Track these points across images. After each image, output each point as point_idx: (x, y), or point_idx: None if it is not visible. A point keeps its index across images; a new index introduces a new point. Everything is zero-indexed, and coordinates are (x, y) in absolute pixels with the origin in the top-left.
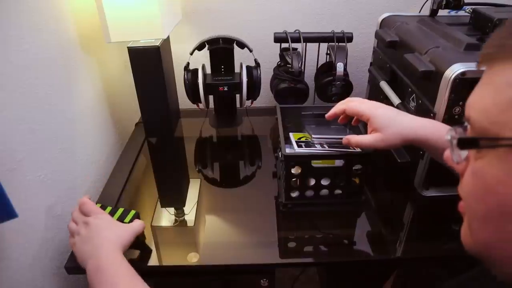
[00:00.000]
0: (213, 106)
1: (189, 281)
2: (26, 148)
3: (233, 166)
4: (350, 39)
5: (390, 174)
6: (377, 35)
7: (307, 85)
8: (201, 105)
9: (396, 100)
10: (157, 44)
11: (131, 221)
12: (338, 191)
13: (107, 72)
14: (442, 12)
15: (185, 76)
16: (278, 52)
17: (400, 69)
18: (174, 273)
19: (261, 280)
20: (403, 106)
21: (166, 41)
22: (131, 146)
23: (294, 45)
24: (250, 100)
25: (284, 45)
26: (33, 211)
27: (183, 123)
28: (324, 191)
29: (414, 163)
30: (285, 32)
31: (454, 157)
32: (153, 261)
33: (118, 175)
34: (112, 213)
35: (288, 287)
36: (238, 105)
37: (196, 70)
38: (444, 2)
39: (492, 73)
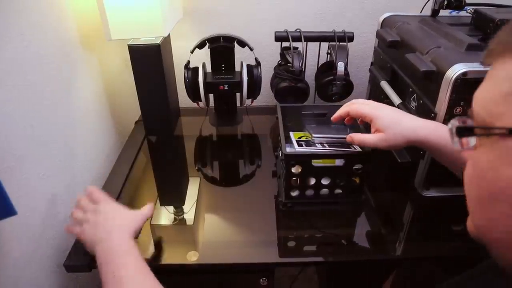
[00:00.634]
0: (213, 105)
1: (188, 280)
2: (25, 145)
3: (233, 165)
4: (351, 38)
5: (391, 174)
6: (378, 34)
7: (307, 84)
8: (201, 104)
9: (396, 100)
10: (158, 42)
11: None
12: (338, 191)
13: (107, 69)
14: (443, 12)
15: (186, 74)
16: (279, 51)
17: (401, 69)
18: (173, 271)
19: (260, 279)
20: (404, 106)
21: (167, 39)
22: (131, 144)
23: (295, 44)
24: (250, 99)
25: (285, 44)
26: (32, 209)
27: (183, 121)
28: (324, 191)
29: (415, 163)
30: (286, 31)
31: (454, 144)
32: (152, 259)
33: (117, 173)
34: None
35: (287, 287)
36: (238, 103)
37: (196, 69)
38: (445, 2)
39: (494, 68)
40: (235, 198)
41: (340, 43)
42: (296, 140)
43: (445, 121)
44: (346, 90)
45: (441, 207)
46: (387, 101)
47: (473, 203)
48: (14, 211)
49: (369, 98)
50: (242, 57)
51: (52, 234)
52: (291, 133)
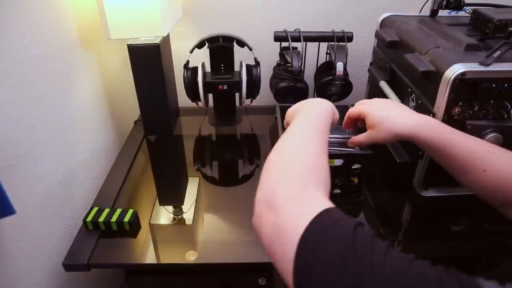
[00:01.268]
0: (212, 105)
1: (187, 279)
2: (25, 144)
3: (232, 165)
4: (350, 38)
5: (389, 174)
6: (377, 35)
7: (306, 84)
8: (201, 104)
9: (395, 100)
10: (157, 41)
11: (130, 219)
12: (337, 191)
13: (107, 69)
14: (442, 13)
15: (185, 74)
16: (278, 51)
17: (400, 69)
18: (172, 271)
19: (259, 279)
20: None
21: (166, 39)
22: (130, 143)
23: (294, 44)
24: (249, 99)
25: (284, 44)
26: (32, 208)
27: (182, 121)
28: None
29: (413, 163)
30: (285, 31)
31: None
32: (151, 259)
33: (117, 173)
34: (110, 214)
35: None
36: (237, 103)
37: (195, 68)
38: (444, 3)
39: None
40: (234, 198)
41: (339, 43)
42: None
43: (444, 121)
44: (345, 90)
45: (440, 207)
46: None
47: None
48: (13, 210)
49: (368, 98)
50: (241, 57)
51: (51, 233)
52: None
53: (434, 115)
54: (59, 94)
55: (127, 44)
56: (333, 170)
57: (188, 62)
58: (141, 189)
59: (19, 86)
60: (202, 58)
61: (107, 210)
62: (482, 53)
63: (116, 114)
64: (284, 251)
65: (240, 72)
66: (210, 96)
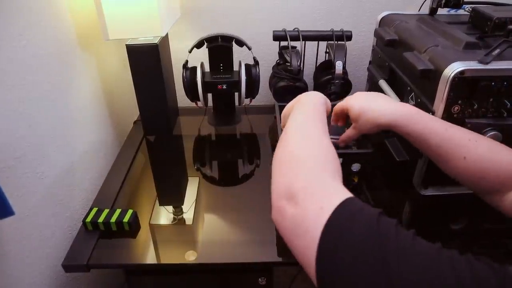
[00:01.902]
0: (211, 104)
1: (187, 280)
2: (24, 145)
3: (232, 165)
4: (349, 37)
5: (389, 173)
6: (376, 33)
7: (306, 84)
8: (200, 103)
9: (395, 98)
10: (156, 41)
11: (130, 219)
12: None
13: (106, 69)
14: (441, 11)
15: (184, 74)
16: (277, 50)
17: (399, 68)
18: (172, 271)
19: (259, 279)
20: None
21: (165, 39)
22: (129, 144)
23: (293, 43)
24: (249, 98)
25: (283, 43)
26: (31, 209)
27: (181, 121)
28: None
29: (413, 162)
30: (284, 30)
31: None
32: (151, 259)
33: (116, 173)
34: (109, 215)
35: (286, 286)
36: (236, 103)
37: (194, 68)
38: (443, 1)
39: None
40: (234, 198)
41: (338, 42)
42: None
43: (443, 119)
44: (344, 89)
45: (440, 205)
46: None
47: None
48: (11, 212)
49: None
50: (240, 57)
51: (50, 234)
52: None
53: (433, 114)
54: (58, 94)
55: (126, 45)
56: None
57: (187, 62)
58: (141, 190)
59: (17, 86)
60: (201, 58)
61: (106, 211)
62: (481, 51)
63: (115, 114)
64: (307, 240)
65: (239, 72)
66: (210, 96)
